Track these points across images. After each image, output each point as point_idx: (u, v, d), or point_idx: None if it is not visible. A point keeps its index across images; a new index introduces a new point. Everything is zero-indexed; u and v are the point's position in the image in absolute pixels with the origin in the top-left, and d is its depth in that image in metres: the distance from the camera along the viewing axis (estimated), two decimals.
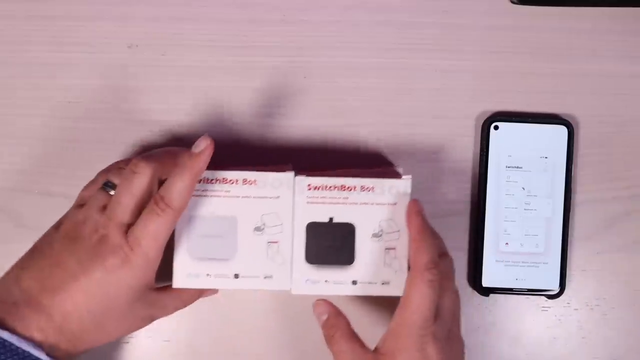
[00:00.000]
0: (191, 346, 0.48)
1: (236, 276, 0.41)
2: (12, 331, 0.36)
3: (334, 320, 0.41)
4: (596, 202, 0.49)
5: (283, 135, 0.48)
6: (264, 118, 0.48)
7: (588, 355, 0.49)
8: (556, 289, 0.48)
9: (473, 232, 0.48)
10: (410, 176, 0.42)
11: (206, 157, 0.39)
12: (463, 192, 0.48)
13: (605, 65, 0.49)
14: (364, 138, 0.48)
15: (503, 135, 0.47)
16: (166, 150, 0.41)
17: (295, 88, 0.48)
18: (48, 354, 0.37)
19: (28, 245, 0.40)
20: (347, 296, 0.46)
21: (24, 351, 0.36)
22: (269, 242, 0.41)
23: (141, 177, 0.39)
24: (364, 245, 0.41)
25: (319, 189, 0.41)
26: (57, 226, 0.40)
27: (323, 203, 0.41)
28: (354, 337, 0.41)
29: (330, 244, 0.41)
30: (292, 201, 0.41)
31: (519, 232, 0.47)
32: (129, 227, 0.38)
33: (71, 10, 0.48)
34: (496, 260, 0.47)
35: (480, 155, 0.48)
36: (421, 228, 0.40)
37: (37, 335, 0.37)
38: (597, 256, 0.49)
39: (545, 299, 0.48)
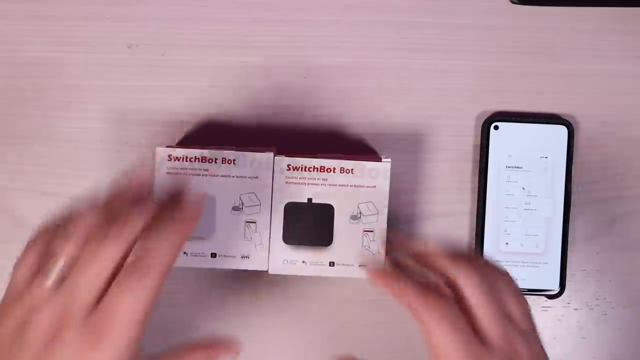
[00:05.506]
0: None
1: (213, 255, 0.41)
2: None
3: None
4: (596, 202, 0.49)
5: (279, 134, 0.48)
6: (264, 118, 0.48)
7: (588, 355, 0.49)
8: (556, 289, 0.48)
9: (473, 232, 0.48)
10: (389, 159, 0.42)
11: (194, 222, 0.33)
12: (463, 192, 0.48)
13: (605, 65, 0.49)
14: (363, 137, 0.48)
15: (503, 135, 0.47)
16: (137, 213, 0.32)
17: (295, 88, 0.48)
18: None
19: None
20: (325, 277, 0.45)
21: None
22: (246, 222, 0.41)
23: (108, 254, 0.30)
24: (342, 227, 0.41)
25: (298, 169, 0.42)
26: None
27: (302, 184, 0.42)
28: None
29: (309, 224, 0.41)
30: (271, 182, 0.41)
31: (519, 232, 0.47)
32: (93, 309, 0.30)
33: (71, 10, 0.48)
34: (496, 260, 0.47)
35: (480, 155, 0.48)
36: (391, 288, 0.36)
37: None
38: (597, 256, 0.49)
39: (545, 299, 0.48)
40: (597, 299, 0.49)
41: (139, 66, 0.48)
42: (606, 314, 0.49)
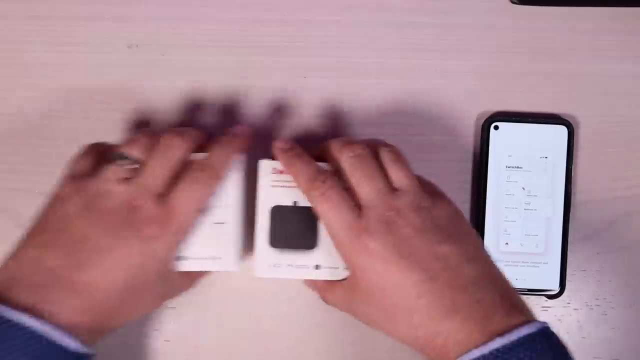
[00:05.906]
0: (191, 346, 0.48)
1: (178, 258, 0.41)
2: (42, 317, 0.34)
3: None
4: (596, 202, 0.49)
5: (278, 135, 0.48)
6: (264, 118, 0.48)
7: (588, 355, 0.49)
8: (556, 289, 0.48)
9: None
10: None
11: (246, 139, 0.42)
12: (463, 192, 0.48)
13: (605, 65, 0.49)
14: (362, 137, 0.48)
15: (503, 135, 0.47)
16: (196, 130, 0.42)
17: (295, 88, 0.48)
18: (83, 340, 0.35)
19: None
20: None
21: (55, 344, 0.34)
22: (214, 223, 0.41)
23: (177, 151, 0.39)
24: None
25: (284, 172, 0.41)
26: (62, 200, 0.38)
27: (288, 187, 0.41)
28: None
29: (294, 227, 0.41)
30: (241, 183, 0.42)
31: (519, 232, 0.47)
32: (162, 196, 0.38)
33: (71, 10, 0.48)
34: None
35: (480, 155, 0.48)
36: (286, 163, 0.41)
37: (73, 318, 0.35)
38: (597, 256, 0.49)
39: (545, 299, 0.48)
40: (597, 299, 0.49)
41: (139, 66, 0.48)
42: (606, 314, 0.49)
